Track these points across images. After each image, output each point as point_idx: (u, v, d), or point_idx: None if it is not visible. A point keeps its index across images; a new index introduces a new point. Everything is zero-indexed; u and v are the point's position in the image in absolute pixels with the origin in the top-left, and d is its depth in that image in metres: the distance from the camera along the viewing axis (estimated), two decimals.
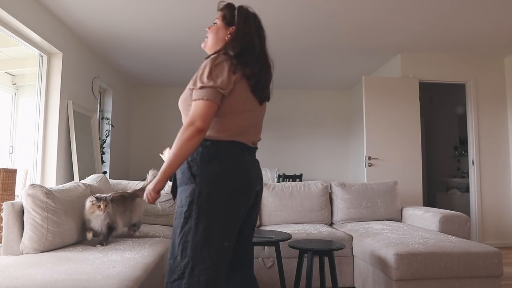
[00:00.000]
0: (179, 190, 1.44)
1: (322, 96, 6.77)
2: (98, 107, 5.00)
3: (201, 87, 1.36)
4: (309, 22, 3.74)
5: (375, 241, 2.64)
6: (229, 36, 1.52)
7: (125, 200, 2.46)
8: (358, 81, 5.99)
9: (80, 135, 4.06)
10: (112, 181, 3.21)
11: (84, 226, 2.29)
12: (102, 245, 2.21)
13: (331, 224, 3.58)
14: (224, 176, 1.39)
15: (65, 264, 1.78)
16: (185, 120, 1.47)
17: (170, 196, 3.14)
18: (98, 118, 4.97)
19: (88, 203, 2.22)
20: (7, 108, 3.92)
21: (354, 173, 6.33)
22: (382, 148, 4.49)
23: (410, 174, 4.47)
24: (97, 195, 2.26)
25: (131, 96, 6.40)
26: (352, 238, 3.00)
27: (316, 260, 2.83)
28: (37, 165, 3.55)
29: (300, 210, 3.46)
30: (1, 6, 2.75)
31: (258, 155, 1.59)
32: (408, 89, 4.60)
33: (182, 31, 3.98)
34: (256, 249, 2.87)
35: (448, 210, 3.26)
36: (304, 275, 2.69)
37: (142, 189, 2.65)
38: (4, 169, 2.57)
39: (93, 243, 2.24)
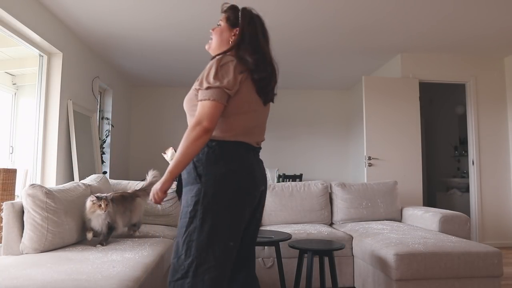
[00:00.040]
0: (184, 190, 1.45)
1: (322, 96, 6.77)
2: (98, 107, 5.00)
3: (208, 88, 1.37)
4: (310, 23, 3.74)
5: (375, 241, 2.64)
6: (233, 37, 1.53)
7: (125, 200, 2.46)
8: (358, 81, 5.99)
9: (80, 135, 4.06)
10: (112, 181, 3.20)
11: (84, 226, 2.29)
12: (102, 245, 2.21)
13: (331, 224, 3.58)
14: (229, 177, 1.40)
15: (65, 264, 1.78)
16: (190, 120, 1.48)
17: (170, 196, 3.15)
18: (98, 118, 4.97)
19: (89, 203, 2.22)
20: (7, 108, 3.92)
21: (354, 173, 6.33)
22: (382, 148, 4.49)
23: (410, 174, 4.47)
24: (98, 194, 2.26)
25: (131, 96, 6.40)
26: (352, 238, 3.00)
27: (316, 260, 2.83)
28: (37, 165, 3.55)
29: (300, 210, 3.46)
30: (1, 6, 2.75)
31: None
32: (408, 89, 4.60)
33: (182, 32, 3.98)
34: (256, 249, 2.84)
35: (448, 210, 3.26)
36: (304, 275, 2.69)
37: (142, 189, 2.65)
38: (4, 169, 2.57)
39: (93, 243, 2.24)
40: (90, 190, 2.55)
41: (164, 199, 3.00)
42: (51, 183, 3.56)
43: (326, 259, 2.74)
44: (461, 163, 6.28)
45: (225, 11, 1.58)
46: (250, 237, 1.59)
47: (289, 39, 4.17)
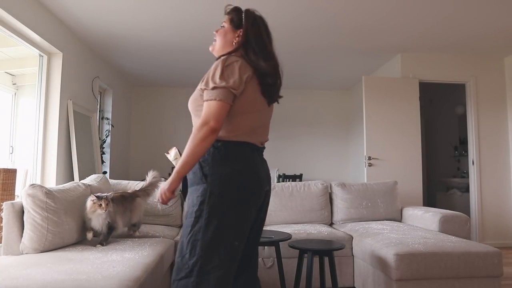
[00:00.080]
0: (190, 190, 1.47)
1: (322, 96, 6.77)
2: (98, 107, 5.00)
3: (214, 88, 1.38)
4: (310, 23, 3.74)
5: (375, 241, 2.64)
6: (237, 38, 1.54)
7: (125, 200, 2.46)
8: (358, 81, 5.99)
9: (80, 135, 4.06)
10: (112, 181, 3.21)
11: (84, 226, 2.29)
12: (102, 245, 2.21)
13: (331, 224, 3.58)
14: (235, 177, 1.42)
15: (65, 264, 1.78)
16: (194, 120, 1.50)
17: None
18: (98, 118, 4.97)
19: (89, 202, 2.22)
20: (7, 108, 3.91)
21: (354, 173, 6.33)
22: (382, 148, 4.49)
23: (410, 174, 4.47)
24: (98, 194, 2.26)
25: (131, 96, 6.40)
26: (352, 238, 3.00)
27: (316, 260, 2.83)
28: (37, 165, 3.55)
29: (300, 210, 3.46)
30: (1, 6, 2.75)
31: None
32: (408, 89, 4.60)
33: (182, 32, 3.98)
34: None
35: (448, 210, 3.26)
36: (304, 275, 2.69)
37: (142, 189, 2.65)
38: (4, 169, 2.57)
39: (93, 243, 2.24)
40: (90, 190, 2.55)
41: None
42: (51, 183, 3.56)
43: (326, 259, 2.74)
44: (461, 163, 6.28)
45: (228, 13, 1.60)
46: (253, 237, 1.60)
47: (289, 39, 4.17)
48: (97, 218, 2.21)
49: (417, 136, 4.57)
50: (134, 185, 3.14)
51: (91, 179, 2.83)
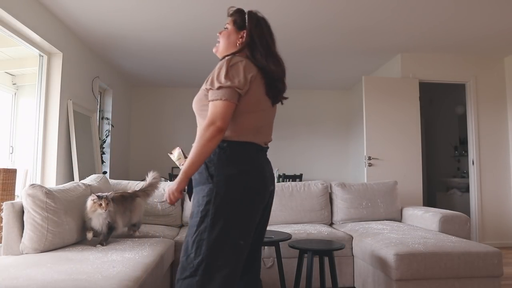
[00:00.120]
0: (195, 190, 1.47)
1: (322, 96, 6.77)
2: (98, 107, 5.00)
3: (219, 88, 1.39)
4: (310, 23, 3.74)
5: (375, 241, 2.64)
6: (240, 39, 1.56)
7: (125, 200, 2.47)
8: (358, 81, 5.99)
9: (80, 135, 4.06)
10: (112, 181, 3.21)
11: (84, 226, 2.29)
12: (102, 245, 2.21)
13: (331, 224, 3.58)
14: (240, 177, 1.43)
15: (65, 264, 1.78)
16: (199, 121, 1.51)
17: None
18: (98, 118, 4.97)
19: (89, 202, 2.22)
20: (7, 108, 3.91)
21: (354, 173, 6.33)
22: (382, 148, 4.49)
23: (410, 174, 4.47)
24: (99, 193, 2.26)
25: (131, 96, 6.40)
26: (352, 238, 3.00)
27: (316, 260, 2.83)
28: (37, 165, 3.55)
29: (300, 210, 3.46)
30: (1, 6, 2.75)
31: None
32: (408, 89, 4.60)
33: (182, 32, 3.98)
34: None
35: (448, 210, 3.26)
36: (304, 275, 2.69)
37: (142, 190, 2.65)
38: (4, 169, 2.57)
39: (93, 243, 2.24)
40: (90, 190, 2.55)
41: (164, 200, 2.98)
42: (51, 183, 3.56)
43: (326, 259, 2.74)
44: (461, 163, 6.28)
45: (231, 15, 1.62)
46: (256, 238, 1.60)
47: (290, 39, 4.17)
48: (97, 217, 2.22)
49: (417, 136, 4.57)
50: (134, 185, 3.14)
51: (91, 179, 2.83)
